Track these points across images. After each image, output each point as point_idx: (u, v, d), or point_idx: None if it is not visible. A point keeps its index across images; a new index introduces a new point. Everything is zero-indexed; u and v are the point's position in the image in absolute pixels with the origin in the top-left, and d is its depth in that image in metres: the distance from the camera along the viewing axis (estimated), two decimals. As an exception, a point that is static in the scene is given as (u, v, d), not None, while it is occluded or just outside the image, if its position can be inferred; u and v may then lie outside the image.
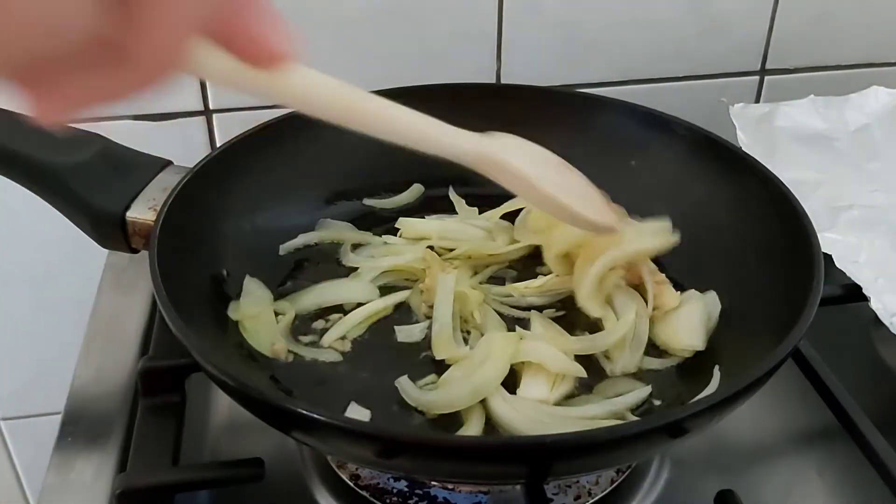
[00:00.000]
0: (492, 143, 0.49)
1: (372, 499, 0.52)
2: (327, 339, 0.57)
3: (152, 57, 0.22)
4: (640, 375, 0.55)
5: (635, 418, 0.51)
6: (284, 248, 0.64)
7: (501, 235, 0.66)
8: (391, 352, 0.57)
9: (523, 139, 0.52)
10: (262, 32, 0.26)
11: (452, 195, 0.69)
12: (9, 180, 0.57)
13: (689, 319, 0.57)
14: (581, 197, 0.53)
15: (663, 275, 0.62)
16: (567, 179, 0.53)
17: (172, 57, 0.23)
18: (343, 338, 0.57)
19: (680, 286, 0.61)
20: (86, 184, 0.57)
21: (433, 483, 0.52)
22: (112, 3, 0.21)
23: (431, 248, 0.64)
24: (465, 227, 0.66)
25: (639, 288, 0.61)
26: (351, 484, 0.53)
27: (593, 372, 0.55)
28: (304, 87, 0.35)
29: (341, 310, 0.60)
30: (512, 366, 0.53)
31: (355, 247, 0.65)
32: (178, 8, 0.22)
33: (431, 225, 0.65)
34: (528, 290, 0.61)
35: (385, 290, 0.61)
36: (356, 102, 0.39)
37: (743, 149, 0.70)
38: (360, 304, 0.60)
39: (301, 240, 0.65)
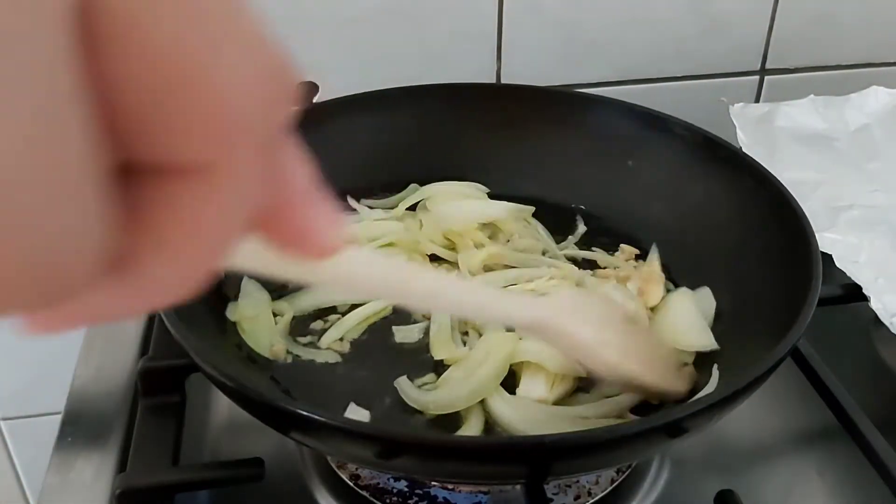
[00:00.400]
0: (546, 308, 0.46)
1: (372, 499, 0.52)
2: (326, 339, 0.57)
3: (177, 276, 0.18)
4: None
5: (634, 417, 0.51)
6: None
7: (414, 226, 0.66)
8: (390, 352, 0.57)
9: (582, 294, 0.50)
10: (311, 224, 0.23)
11: (353, 203, 0.68)
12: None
13: (689, 318, 0.57)
14: (647, 360, 0.49)
15: (662, 275, 0.62)
16: (631, 339, 0.49)
17: (201, 272, 0.19)
18: (341, 339, 0.57)
19: (678, 286, 0.62)
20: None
21: (433, 483, 0.52)
22: (121, 217, 0.17)
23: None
24: (381, 224, 0.66)
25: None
26: (351, 484, 0.53)
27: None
28: (355, 272, 0.32)
29: (339, 311, 0.60)
30: (511, 366, 0.53)
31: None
32: (211, 208, 0.17)
33: (347, 230, 0.65)
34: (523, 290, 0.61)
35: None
36: (407, 283, 0.37)
37: (743, 149, 0.70)
38: (357, 305, 0.60)
39: None
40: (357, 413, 0.51)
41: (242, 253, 0.22)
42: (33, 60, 0.13)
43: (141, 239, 0.17)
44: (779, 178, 0.59)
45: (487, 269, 0.63)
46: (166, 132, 0.16)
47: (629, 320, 0.51)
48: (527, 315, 0.45)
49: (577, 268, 0.63)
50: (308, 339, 0.58)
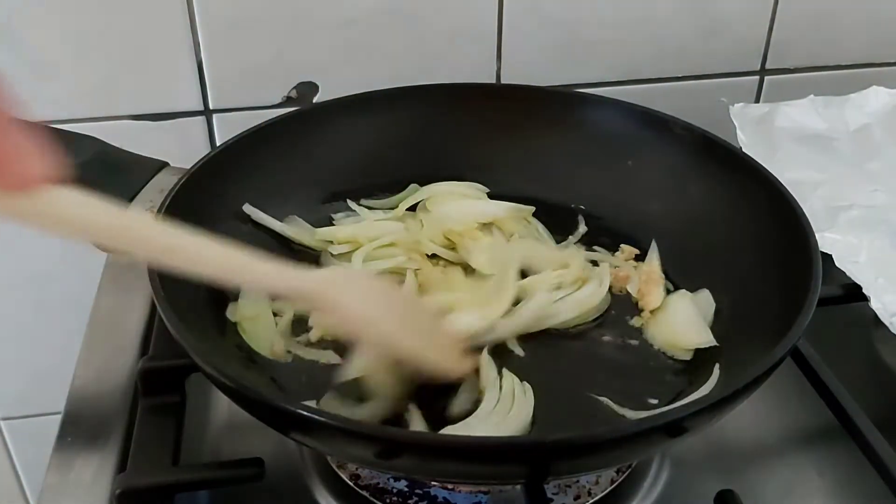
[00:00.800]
0: (315, 280, 0.46)
1: (372, 499, 0.52)
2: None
3: None
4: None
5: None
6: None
7: (415, 226, 0.66)
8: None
9: (356, 273, 0.50)
10: (12, 152, 0.24)
11: (353, 206, 0.68)
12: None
13: (687, 317, 0.57)
14: (424, 337, 0.50)
15: (662, 276, 0.62)
16: (404, 319, 0.49)
17: None
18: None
19: (678, 286, 0.62)
20: (82, 187, 0.57)
21: (433, 483, 0.52)
22: None
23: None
24: (381, 224, 0.66)
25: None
26: (351, 484, 0.53)
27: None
28: (71, 213, 0.31)
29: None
30: None
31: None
32: None
33: (348, 230, 0.65)
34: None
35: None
36: (141, 232, 0.35)
37: (743, 149, 0.70)
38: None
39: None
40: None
41: None
42: None
43: None
44: (779, 178, 0.59)
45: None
46: None
47: (407, 302, 0.52)
48: (295, 285, 0.45)
49: (583, 251, 0.65)
50: (308, 338, 0.57)
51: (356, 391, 0.52)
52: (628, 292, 0.62)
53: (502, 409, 0.51)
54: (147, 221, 0.37)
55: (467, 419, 0.51)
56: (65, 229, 0.32)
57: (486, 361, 0.55)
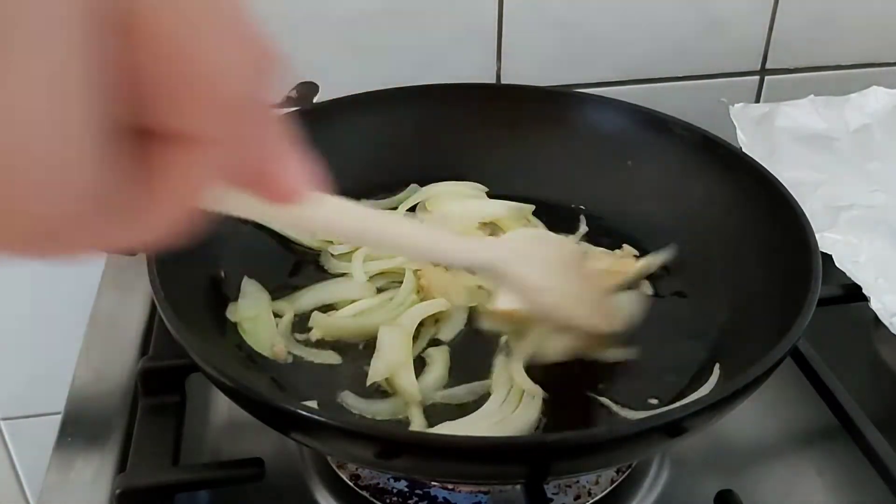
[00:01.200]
0: (497, 251, 0.49)
1: (372, 499, 0.52)
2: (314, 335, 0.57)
3: (168, 212, 0.23)
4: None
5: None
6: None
7: None
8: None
9: (535, 236, 0.52)
10: (282, 172, 0.27)
11: None
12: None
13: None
14: (585, 303, 0.52)
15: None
16: (574, 283, 0.52)
17: (189, 209, 0.23)
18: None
19: (681, 286, 0.62)
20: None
21: (433, 483, 0.52)
22: (120, 165, 0.21)
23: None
24: None
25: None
26: (351, 484, 0.53)
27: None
28: (324, 215, 0.37)
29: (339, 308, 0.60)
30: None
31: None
32: (199, 167, 0.22)
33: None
34: None
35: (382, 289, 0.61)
36: (370, 228, 0.40)
37: (743, 149, 0.70)
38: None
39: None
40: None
41: (228, 200, 0.27)
42: (53, 49, 0.18)
43: (143, 187, 0.22)
44: (779, 178, 0.59)
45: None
46: (166, 107, 0.21)
47: (577, 263, 0.54)
48: (478, 258, 0.48)
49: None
50: (308, 338, 0.57)
51: (374, 388, 0.53)
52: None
53: (507, 409, 0.51)
54: (372, 216, 0.41)
55: (470, 416, 0.51)
56: (317, 230, 0.38)
57: (502, 363, 0.55)
